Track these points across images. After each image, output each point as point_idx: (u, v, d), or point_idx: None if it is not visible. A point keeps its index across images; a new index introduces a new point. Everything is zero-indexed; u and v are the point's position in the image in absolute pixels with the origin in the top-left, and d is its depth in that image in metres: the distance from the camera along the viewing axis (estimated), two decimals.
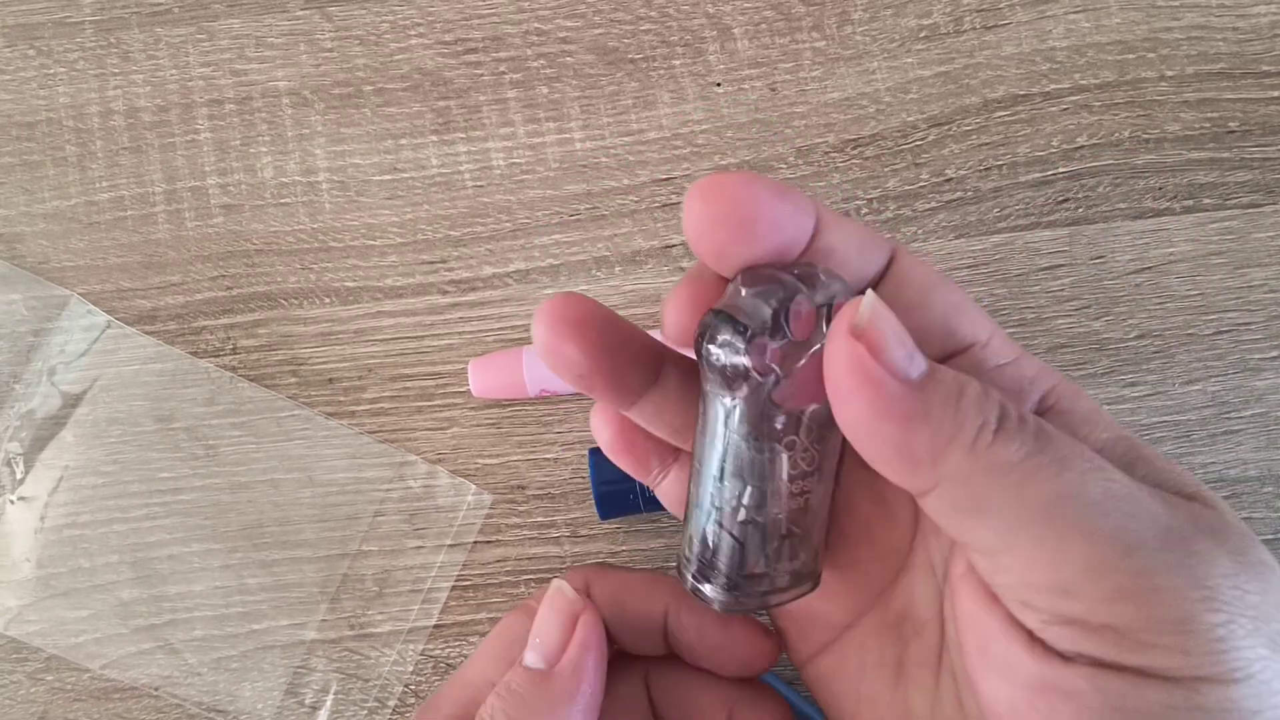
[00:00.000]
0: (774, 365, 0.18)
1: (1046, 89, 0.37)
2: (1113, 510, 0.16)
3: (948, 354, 0.20)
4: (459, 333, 0.36)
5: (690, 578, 0.20)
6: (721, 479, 0.19)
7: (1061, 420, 0.19)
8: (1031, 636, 0.17)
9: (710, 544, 0.20)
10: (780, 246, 0.18)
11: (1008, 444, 0.16)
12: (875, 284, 0.19)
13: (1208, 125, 0.37)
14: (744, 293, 0.18)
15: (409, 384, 0.36)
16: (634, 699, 0.24)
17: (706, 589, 0.20)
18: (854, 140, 0.37)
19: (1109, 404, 0.35)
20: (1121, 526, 0.16)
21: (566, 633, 0.20)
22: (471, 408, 0.36)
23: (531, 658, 0.20)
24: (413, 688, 0.34)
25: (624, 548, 0.35)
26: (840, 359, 0.16)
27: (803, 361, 0.18)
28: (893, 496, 0.21)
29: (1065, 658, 0.16)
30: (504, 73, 0.38)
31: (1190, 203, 0.36)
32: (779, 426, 0.18)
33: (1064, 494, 0.16)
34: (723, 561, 0.20)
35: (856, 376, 0.16)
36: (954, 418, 0.16)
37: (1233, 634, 0.15)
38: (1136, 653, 0.15)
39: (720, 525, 0.19)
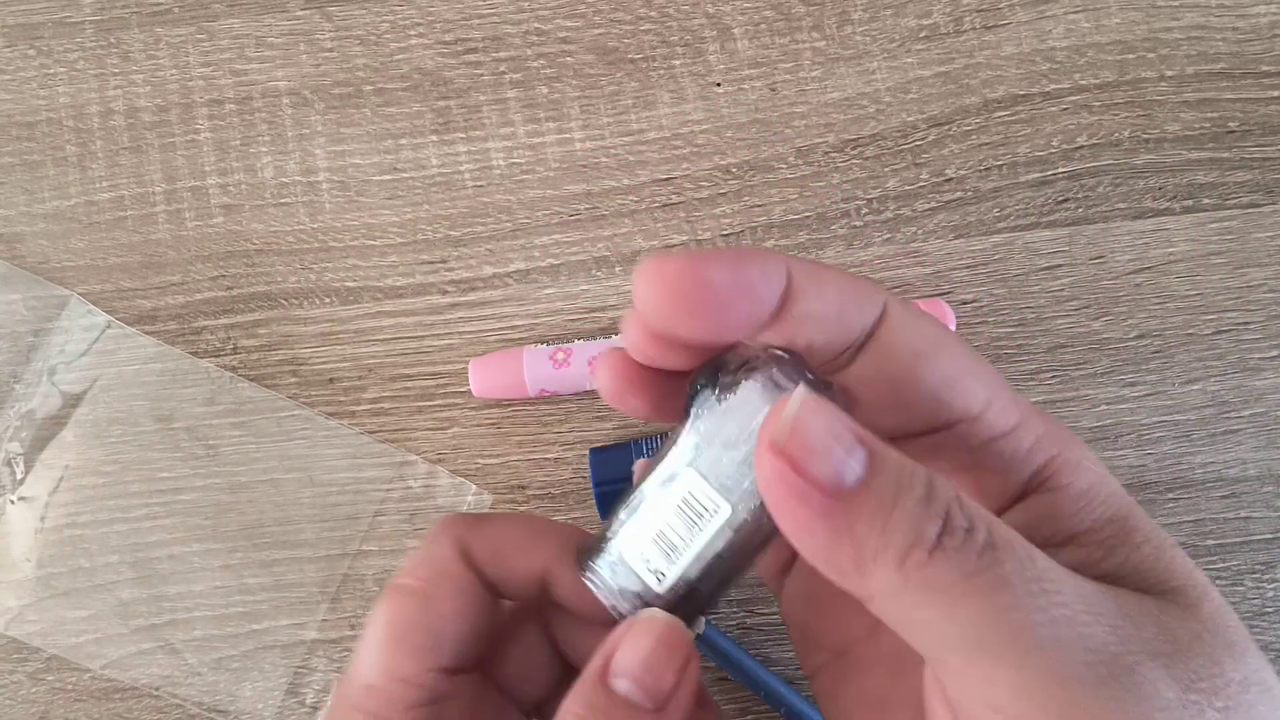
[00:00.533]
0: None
1: (1046, 89, 0.37)
2: (1048, 639, 0.15)
3: (933, 429, 0.19)
4: (459, 333, 0.36)
5: (608, 574, 0.20)
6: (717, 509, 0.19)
7: (1052, 498, 0.19)
8: None
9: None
10: (738, 323, 0.18)
11: (944, 564, 0.15)
12: (859, 349, 0.19)
13: (1207, 125, 0.37)
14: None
15: (409, 384, 0.36)
16: (534, 637, 0.23)
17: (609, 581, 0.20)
18: (854, 140, 0.37)
19: (1108, 404, 0.35)
20: (1056, 656, 0.15)
21: (678, 675, 0.19)
22: (472, 408, 0.36)
23: (634, 691, 0.19)
24: None
25: None
26: (764, 473, 0.16)
27: None
28: None
29: None
30: (504, 73, 0.38)
31: (1190, 203, 0.37)
32: None
33: (996, 620, 0.15)
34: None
35: (780, 489, 0.16)
36: (881, 533, 0.15)
37: None
38: None
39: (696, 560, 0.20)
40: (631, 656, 0.19)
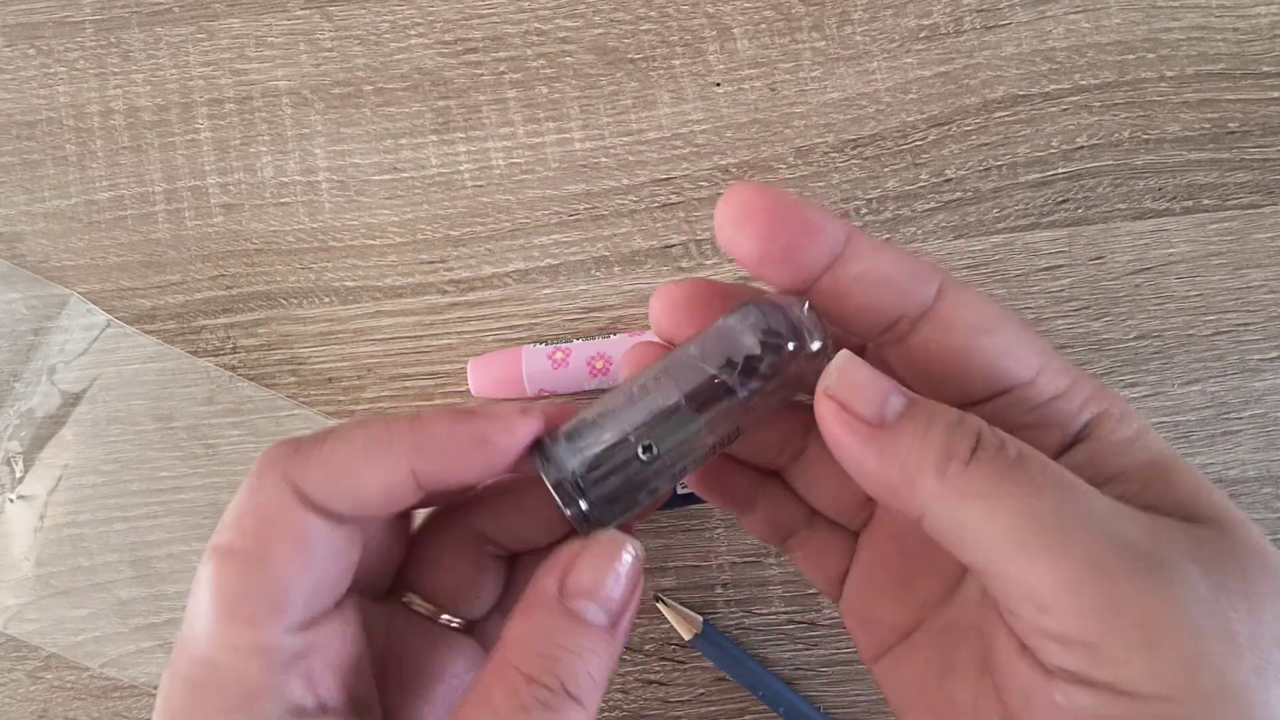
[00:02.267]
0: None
1: (1046, 89, 0.37)
2: (1082, 532, 0.17)
3: (990, 395, 0.20)
4: (458, 332, 0.36)
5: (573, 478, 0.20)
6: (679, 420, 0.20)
7: (1094, 445, 0.20)
8: (1024, 647, 0.17)
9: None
10: (804, 265, 0.20)
11: (978, 471, 0.17)
12: (917, 321, 0.20)
13: (1207, 126, 0.37)
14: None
15: (408, 383, 0.36)
16: (463, 543, 0.23)
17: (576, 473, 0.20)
18: (853, 140, 0.37)
19: None
20: (1091, 546, 0.16)
21: (631, 594, 0.20)
22: None
23: (600, 615, 0.19)
24: None
25: None
26: (821, 417, 0.19)
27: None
28: None
29: (1048, 670, 0.17)
30: (504, 73, 0.38)
31: (1190, 203, 0.36)
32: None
33: (1034, 516, 0.17)
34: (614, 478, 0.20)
35: (834, 425, 0.18)
36: (920, 450, 0.18)
37: (1205, 654, 0.15)
38: (1108, 668, 0.16)
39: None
40: (594, 578, 0.19)
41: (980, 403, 0.20)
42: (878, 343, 0.21)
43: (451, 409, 0.20)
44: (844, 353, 0.19)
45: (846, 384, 0.19)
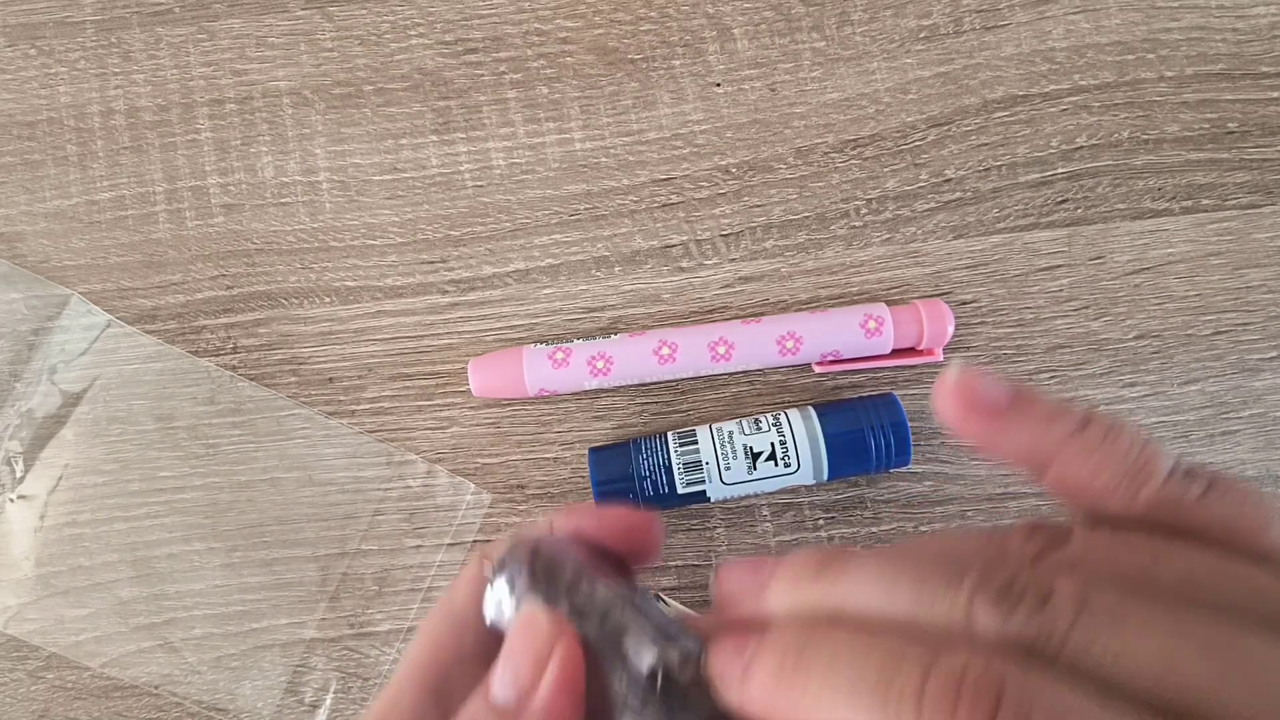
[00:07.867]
0: None
1: (1046, 89, 0.37)
2: None
3: None
4: (459, 332, 0.36)
5: None
6: None
7: None
8: None
9: None
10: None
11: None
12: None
13: (1207, 126, 0.37)
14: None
15: (409, 383, 0.36)
16: None
17: None
18: (853, 140, 0.37)
19: (1107, 404, 0.35)
20: None
21: (539, 670, 0.18)
22: (471, 407, 0.36)
23: (502, 692, 0.18)
24: None
25: None
26: (940, 398, 0.20)
27: None
28: None
29: None
30: (504, 73, 0.38)
31: (1189, 203, 0.37)
32: None
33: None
34: None
35: (948, 402, 0.20)
36: (1041, 428, 0.19)
37: None
38: None
39: None
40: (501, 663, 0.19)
41: None
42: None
43: None
44: (958, 363, 0.21)
45: (964, 381, 0.20)
